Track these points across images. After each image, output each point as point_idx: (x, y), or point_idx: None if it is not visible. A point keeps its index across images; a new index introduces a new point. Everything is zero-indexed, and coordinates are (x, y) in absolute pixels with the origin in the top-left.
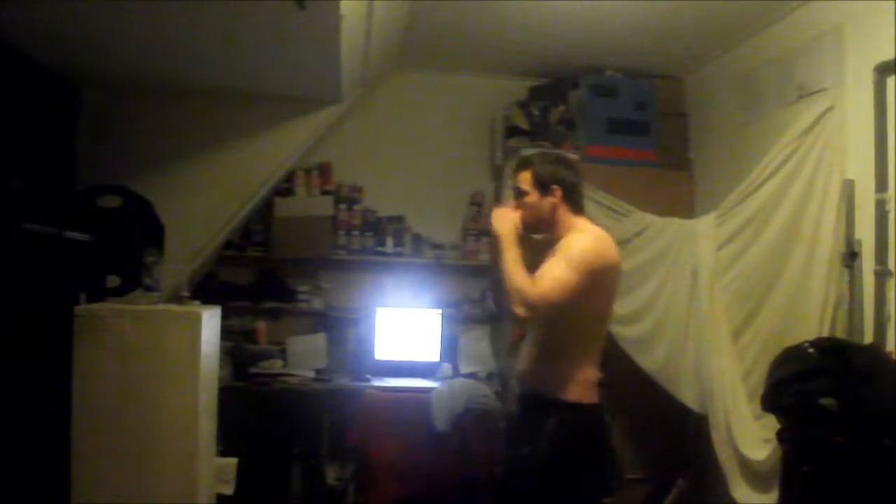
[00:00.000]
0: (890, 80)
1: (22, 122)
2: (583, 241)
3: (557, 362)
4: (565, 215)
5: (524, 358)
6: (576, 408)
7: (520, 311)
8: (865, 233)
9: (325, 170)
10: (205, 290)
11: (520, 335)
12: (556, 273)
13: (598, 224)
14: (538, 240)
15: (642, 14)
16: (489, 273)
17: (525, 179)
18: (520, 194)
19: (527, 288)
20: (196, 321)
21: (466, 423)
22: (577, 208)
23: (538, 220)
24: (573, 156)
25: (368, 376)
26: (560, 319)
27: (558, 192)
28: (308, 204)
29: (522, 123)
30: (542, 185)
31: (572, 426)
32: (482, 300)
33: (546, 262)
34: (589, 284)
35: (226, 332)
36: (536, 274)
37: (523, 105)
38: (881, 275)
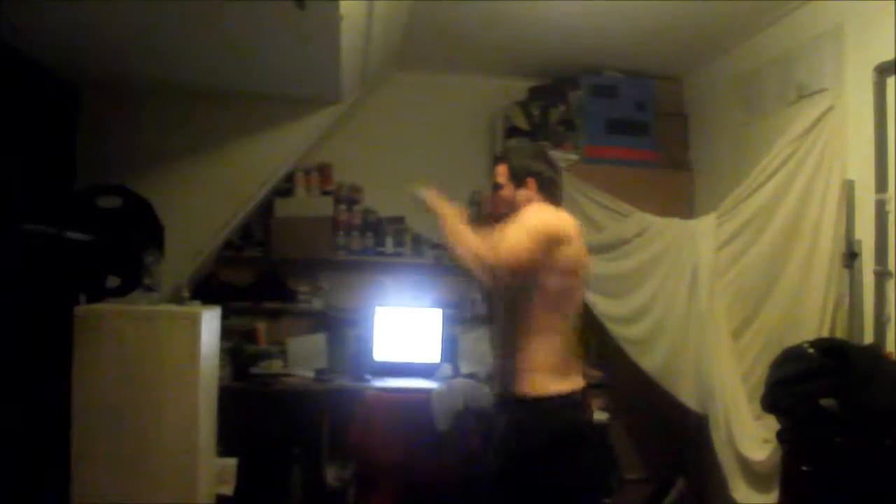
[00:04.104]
0: (890, 80)
1: (22, 121)
2: (538, 212)
3: (518, 353)
4: None
5: (494, 357)
6: (533, 402)
7: (481, 274)
8: (865, 233)
9: (325, 170)
10: (205, 290)
11: None
12: (511, 238)
13: (598, 224)
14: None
15: (642, 14)
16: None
17: (501, 172)
18: (496, 187)
19: (481, 249)
20: (196, 321)
21: (466, 423)
22: (554, 201)
23: (513, 211)
24: (553, 150)
25: (368, 377)
26: (520, 301)
27: (533, 185)
28: (308, 204)
29: (522, 123)
30: (518, 178)
31: (529, 424)
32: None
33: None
34: (544, 254)
35: (226, 332)
36: (492, 241)
37: (523, 105)
38: (881, 275)
